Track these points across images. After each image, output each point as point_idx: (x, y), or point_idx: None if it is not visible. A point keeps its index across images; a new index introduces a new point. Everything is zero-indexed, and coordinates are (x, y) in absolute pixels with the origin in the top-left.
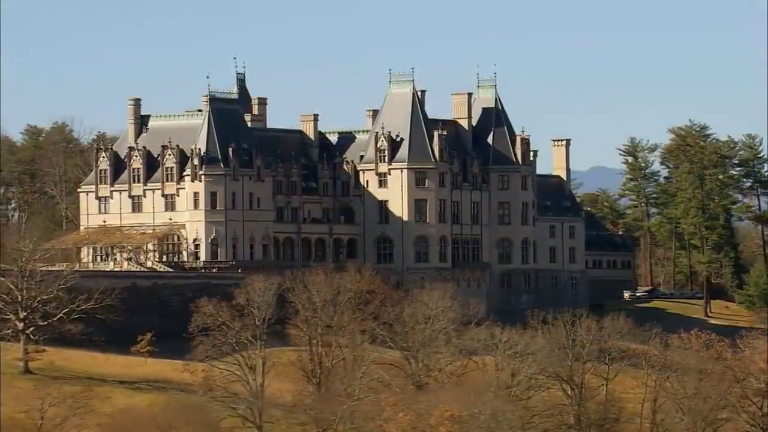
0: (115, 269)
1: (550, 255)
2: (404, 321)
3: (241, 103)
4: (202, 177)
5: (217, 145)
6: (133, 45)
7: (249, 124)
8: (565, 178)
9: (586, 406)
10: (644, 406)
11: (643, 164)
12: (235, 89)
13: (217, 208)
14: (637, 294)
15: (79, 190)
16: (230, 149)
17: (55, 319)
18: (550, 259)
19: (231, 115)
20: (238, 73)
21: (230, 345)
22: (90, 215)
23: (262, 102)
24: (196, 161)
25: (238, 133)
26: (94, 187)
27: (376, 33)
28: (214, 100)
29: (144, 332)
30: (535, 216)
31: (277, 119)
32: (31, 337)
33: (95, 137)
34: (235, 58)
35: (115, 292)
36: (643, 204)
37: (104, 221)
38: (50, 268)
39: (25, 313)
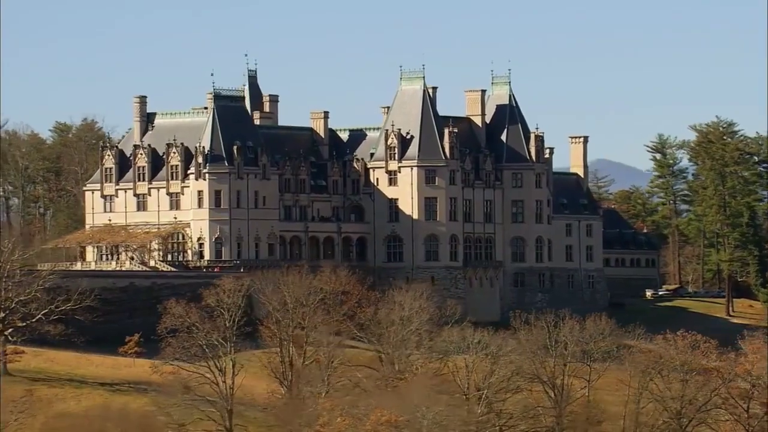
0: (117, 269)
1: (567, 253)
2: (379, 322)
3: (252, 101)
4: (206, 175)
5: (222, 143)
6: (140, 42)
7: (259, 122)
8: (582, 176)
9: (565, 408)
10: (627, 407)
11: (671, 161)
12: (245, 86)
13: (222, 207)
14: (660, 293)
15: (84, 188)
16: (235, 147)
17: (34, 320)
18: (566, 257)
19: (236, 112)
20: (250, 70)
21: (199, 347)
22: (95, 214)
23: (273, 99)
24: (200, 159)
25: (243, 130)
26: (99, 185)
27: (388, 30)
28: (218, 98)
29: (138, 332)
30: (550, 214)
31: (288, 116)
32: (9, 338)
33: (124, 135)
34: (246, 55)
35: (94, 292)
36: (671, 201)
37: (110, 220)
38: (31, 268)
39: (3, 314)
